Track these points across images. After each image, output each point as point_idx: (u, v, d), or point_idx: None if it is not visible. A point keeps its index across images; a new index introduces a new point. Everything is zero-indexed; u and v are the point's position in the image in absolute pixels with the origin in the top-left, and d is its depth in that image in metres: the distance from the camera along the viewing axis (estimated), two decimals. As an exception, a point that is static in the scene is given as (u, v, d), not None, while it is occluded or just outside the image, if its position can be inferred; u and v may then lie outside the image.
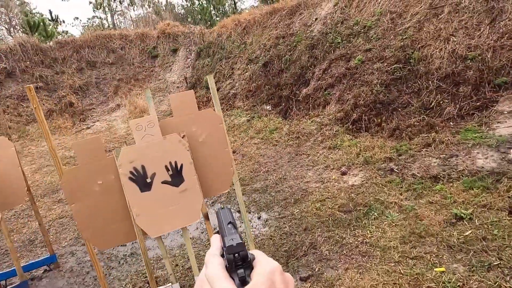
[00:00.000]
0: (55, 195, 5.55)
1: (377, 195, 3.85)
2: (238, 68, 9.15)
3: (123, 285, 3.28)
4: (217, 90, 8.99)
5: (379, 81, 5.81)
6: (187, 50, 11.87)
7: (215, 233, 0.67)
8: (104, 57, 12.06)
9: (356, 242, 3.18)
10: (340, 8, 7.59)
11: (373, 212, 3.56)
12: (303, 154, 5.40)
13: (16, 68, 10.96)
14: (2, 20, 24.47)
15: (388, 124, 5.36)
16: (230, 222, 0.64)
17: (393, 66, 5.78)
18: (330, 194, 4.10)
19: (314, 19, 8.06)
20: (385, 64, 5.92)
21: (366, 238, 3.19)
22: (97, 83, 11.61)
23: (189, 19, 25.83)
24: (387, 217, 3.43)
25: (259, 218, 3.96)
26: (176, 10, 28.35)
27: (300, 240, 3.40)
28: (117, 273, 3.48)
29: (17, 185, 3.45)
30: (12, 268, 3.56)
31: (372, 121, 5.59)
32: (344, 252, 3.09)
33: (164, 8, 27.34)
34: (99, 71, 11.90)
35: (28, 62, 11.21)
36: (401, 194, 3.76)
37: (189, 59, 11.56)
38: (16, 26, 24.14)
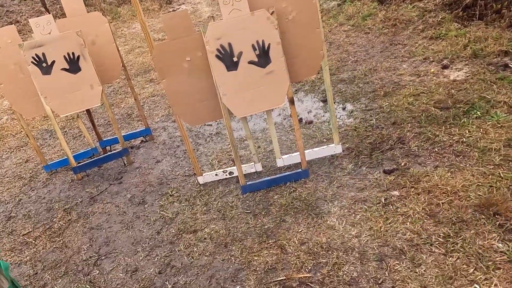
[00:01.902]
0: (147, 75, 5.86)
1: (483, 92, 3.40)
2: None
3: (210, 160, 3.51)
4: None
5: (509, -45, 4.70)
6: None
7: None
8: None
9: (450, 141, 2.92)
10: None
11: (475, 110, 3.18)
12: (399, 44, 4.85)
13: None
14: None
15: (510, 11, 4.48)
16: None
17: None
18: (426, 88, 3.72)
19: None
20: None
21: (463, 137, 2.91)
22: (182, -38, 11.19)
23: None
24: (492, 117, 3.05)
25: (344, 109, 3.80)
26: None
27: (387, 134, 3.23)
28: (204, 149, 3.72)
29: (113, 61, 3.65)
30: (115, 136, 3.99)
31: (489, 7, 4.70)
32: (436, 150, 2.88)
33: None
34: (183, -51, 11.36)
35: None
36: (513, 93, 3.27)
37: None
38: None
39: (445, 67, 4.01)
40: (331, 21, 6.05)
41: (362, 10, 5.94)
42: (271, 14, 2.49)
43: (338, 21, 5.98)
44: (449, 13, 4.99)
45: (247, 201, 2.86)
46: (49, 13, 6.56)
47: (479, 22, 4.66)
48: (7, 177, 4.00)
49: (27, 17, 9.15)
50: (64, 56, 3.26)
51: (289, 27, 2.61)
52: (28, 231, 3.13)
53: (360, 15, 5.86)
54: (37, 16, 9.19)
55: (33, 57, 3.21)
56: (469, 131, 2.96)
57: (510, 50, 3.91)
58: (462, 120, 3.11)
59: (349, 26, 5.74)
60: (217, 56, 2.55)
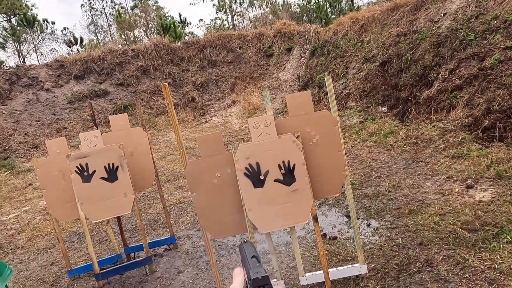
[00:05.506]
0: (176, 182, 6.13)
1: (511, 215, 3.35)
2: (353, 68, 8.86)
3: (231, 273, 3.46)
4: (330, 89, 8.85)
5: (521, 84, 5.03)
6: (301, 49, 11.94)
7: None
8: (223, 56, 12.86)
9: (482, 267, 2.81)
10: (475, 1, 6.77)
11: (505, 234, 3.10)
12: (421, 161, 4.98)
13: (150, 66, 12.39)
14: (141, 23, 27.90)
15: (530, 134, 4.62)
16: (253, 256, 0.68)
17: (541, 66, 4.94)
18: (451, 208, 3.71)
19: (442, 14, 7.35)
20: (530, 64, 5.10)
21: (495, 263, 2.80)
22: (216, 80, 12.45)
23: (304, 18, 25.99)
24: (523, 242, 2.96)
25: (368, 225, 3.78)
26: (292, 9, 28.73)
27: (414, 254, 3.15)
28: (226, 261, 3.70)
29: (148, 171, 3.91)
30: (140, 243, 4.05)
31: (508, 129, 4.88)
32: (467, 275, 2.76)
33: (280, 7, 27.96)
34: (219, 69, 12.73)
35: (160, 61, 12.57)
36: (543, 218, 3.21)
37: (303, 58, 11.61)
38: (152, 28, 27.29)
39: (469, 187, 4.04)
40: (354, 137, 6.35)
41: (384, 128, 6.26)
42: (296, 137, 2.72)
43: (360, 137, 6.27)
44: (469, 133, 5.18)
45: (268, 322, 2.73)
46: (97, 128, 7.25)
47: (499, 143, 4.80)
48: (31, 280, 4.02)
49: (74, 124, 10.09)
50: (105, 166, 3.54)
51: (313, 149, 2.80)
52: None
53: (382, 132, 6.16)
54: (83, 124, 10.08)
55: (77, 167, 3.50)
56: (500, 257, 2.86)
57: (535, 173, 3.94)
58: (492, 244, 3.02)
59: (371, 142, 5.99)
60: (245, 173, 2.72)
